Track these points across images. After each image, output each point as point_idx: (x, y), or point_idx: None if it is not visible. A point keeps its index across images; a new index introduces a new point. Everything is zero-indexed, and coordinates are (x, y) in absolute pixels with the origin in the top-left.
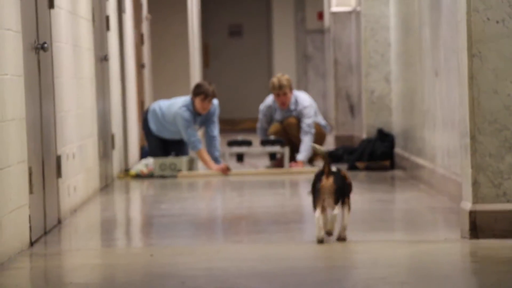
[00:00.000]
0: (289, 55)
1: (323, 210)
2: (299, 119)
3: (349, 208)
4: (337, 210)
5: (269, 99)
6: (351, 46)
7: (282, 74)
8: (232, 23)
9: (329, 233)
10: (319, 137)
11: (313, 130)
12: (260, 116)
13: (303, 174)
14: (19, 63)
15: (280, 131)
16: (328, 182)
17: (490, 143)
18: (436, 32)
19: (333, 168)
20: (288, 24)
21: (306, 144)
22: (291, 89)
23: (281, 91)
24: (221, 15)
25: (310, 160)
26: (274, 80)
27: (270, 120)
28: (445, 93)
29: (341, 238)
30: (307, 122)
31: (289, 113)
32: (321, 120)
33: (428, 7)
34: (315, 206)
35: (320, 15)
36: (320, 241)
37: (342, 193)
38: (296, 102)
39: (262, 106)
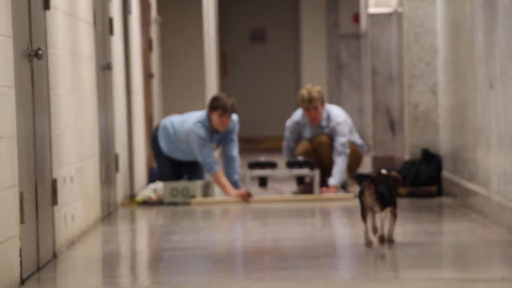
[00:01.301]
0: (320, 63)
1: (372, 215)
2: (331, 137)
3: (395, 212)
4: (384, 215)
5: (298, 114)
6: (391, 53)
7: (312, 85)
8: (254, 27)
9: (381, 239)
10: (355, 159)
11: (347, 150)
12: (287, 133)
13: (335, 201)
14: (9, 72)
15: (309, 151)
16: (369, 192)
17: None
18: (491, 37)
19: (383, 171)
20: (318, 28)
21: (340, 166)
22: (323, 103)
23: (312, 105)
24: (241, 17)
25: (344, 185)
26: (304, 92)
27: (298, 138)
28: (501, 108)
29: (390, 241)
30: (341, 141)
31: (320, 130)
32: (356, 139)
33: (481, 8)
34: (363, 217)
35: (356, 17)
36: (369, 245)
37: (385, 199)
38: (329, 117)
39: (289, 122)
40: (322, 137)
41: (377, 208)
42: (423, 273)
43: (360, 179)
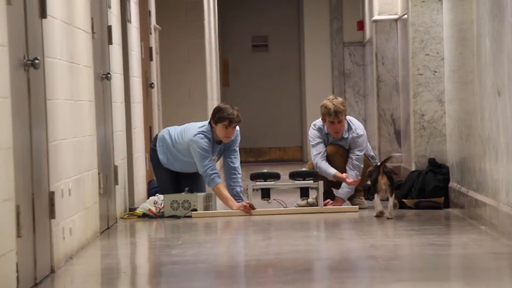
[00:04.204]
0: (324, 72)
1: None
2: (346, 147)
3: (394, 193)
4: (391, 198)
5: (319, 121)
6: (396, 61)
7: (334, 96)
8: (256, 35)
9: (389, 217)
10: (366, 170)
11: (362, 166)
12: (315, 144)
13: (341, 213)
14: (5, 82)
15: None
16: (383, 179)
17: None
18: (499, 44)
19: (388, 164)
20: (322, 36)
21: (330, 176)
22: (345, 115)
23: (337, 119)
24: (243, 25)
25: (350, 198)
26: (329, 104)
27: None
28: (509, 116)
29: (389, 218)
30: (358, 154)
31: (340, 142)
32: (369, 150)
33: (488, 14)
34: (373, 194)
35: (360, 25)
36: (379, 215)
37: (393, 186)
38: (349, 128)
39: (313, 133)
40: (337, 147)
41: (388, 193)
42: (431, 287)
43: (375, 168)
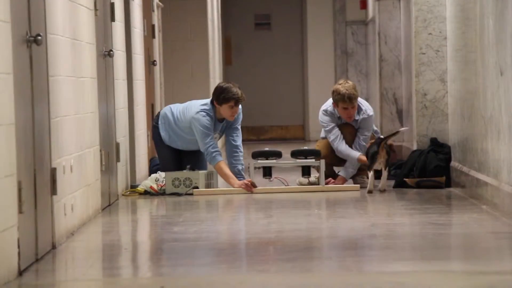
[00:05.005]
0: (326, 50)
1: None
2: (352, 126)
3: (387, 168)
4: (385, 171)
5: (328, 106)
6: (399, 40)
7: (344, 80)
8: (259, 13)
9: (381, 190)
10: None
11: (366, 146)
12: (331, 129)
13: (343, 192)
14: (7, 58)
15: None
16: (383, 153)
17: None
18: (502, 23)
19: (390, 141)
20: (325, 14)
21: (354, 160)
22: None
23: (351, 105)
24: (245, 3)
25: (353, 177)
26: (342, 90)
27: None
28: (511, 96)
29: (382, 191)
30: (365, 135)
31: (350, 123)
32: (375, 128)
33: None
34: (369, 168)
35: (363, 3)
36: (370, 192)
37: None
38: (359, 110)
39: (325, 119)
40: (346, 126)
41: (382, 166)
42: (432, 266)
43: (378, 141)
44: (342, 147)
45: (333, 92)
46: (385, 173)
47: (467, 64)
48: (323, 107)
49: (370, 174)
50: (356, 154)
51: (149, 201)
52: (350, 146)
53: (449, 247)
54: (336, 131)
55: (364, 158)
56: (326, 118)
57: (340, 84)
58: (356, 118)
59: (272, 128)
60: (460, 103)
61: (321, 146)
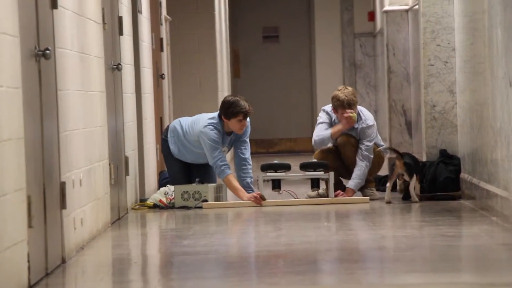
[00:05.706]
0: (335, 63)
1: (400, 179)
2: (356, 138)
3: (418, 179)
4: (412, 181)
5: (327, 109)
6: (407, 52)
7: (344, 86)
8: (267, 26)
9: (414, 199)
10: (377, 161)
11: (371, 156)
12: (321, 124)
13: (352, 204)
14: (16, 72)
15: (331, 149)
16: (400, 163)
17: None
18: (510, 34)
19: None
20: (333, 26)
21: (361, 171)
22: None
23: (351, 110)
24: (253, 16)
25: (361, 189)
26: (341, 96)
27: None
28: None
29: (417, 201)
30: (367, 145)
31: (349, 131)
32: (379, 141)
33: (500, 4)
34: (389, 180)
35: (371, 15)
36: (389, 202)
37: (413, 169)
38: (359, 118)
39: (322, 114)
40: (347, 137)
41: (406, 176)
42: (442, 278)
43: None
44: (316, 129)
45: (333, 98)
46: (412, 183)
47: (475, 75)
48: (324, 107)
49: (387, 185)
50: (328, 131)
51: (158, 214)
52: (353, 159)
53: (460, 259)
54: (324, 127)
55: (336, 129)
56: (323, 114)
57: (339, 90)
58: (356, 126)
59: (281, 140)
60: (469, 114)
61: (321, 156)
